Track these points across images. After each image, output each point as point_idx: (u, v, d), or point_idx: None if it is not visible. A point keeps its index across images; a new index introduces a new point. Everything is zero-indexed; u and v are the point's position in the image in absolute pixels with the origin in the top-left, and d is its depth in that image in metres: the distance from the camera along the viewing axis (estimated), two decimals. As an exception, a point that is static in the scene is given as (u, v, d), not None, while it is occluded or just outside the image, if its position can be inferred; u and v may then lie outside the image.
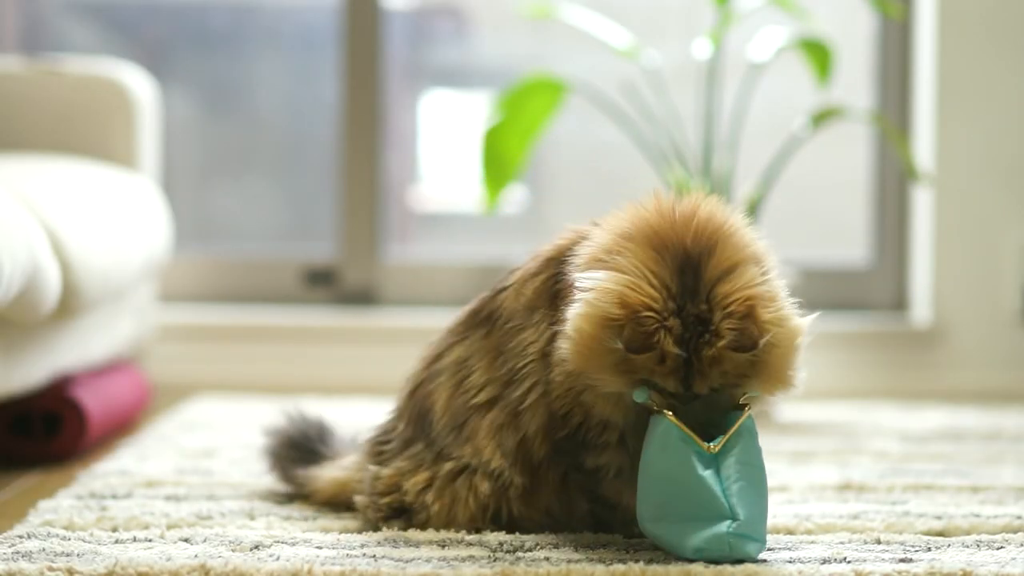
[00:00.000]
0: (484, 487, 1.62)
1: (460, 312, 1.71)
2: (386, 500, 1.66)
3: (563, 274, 1.59)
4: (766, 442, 2.39)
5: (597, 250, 1.55)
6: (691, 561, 1.48)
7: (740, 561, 1.48)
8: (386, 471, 1.67)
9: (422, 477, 1.64)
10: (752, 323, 1.47)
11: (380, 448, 1.71)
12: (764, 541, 1.52)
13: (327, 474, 1.83)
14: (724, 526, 1.47)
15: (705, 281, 1.49)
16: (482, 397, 1.63)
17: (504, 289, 1.66)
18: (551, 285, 1.60)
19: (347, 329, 3.23)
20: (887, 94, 3.36)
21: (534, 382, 1.59)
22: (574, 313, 1.50)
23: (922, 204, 3.28)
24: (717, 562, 1.48)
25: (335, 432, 1.93)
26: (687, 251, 1.50)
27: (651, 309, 1.47)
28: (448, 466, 1.63)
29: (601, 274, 1.51)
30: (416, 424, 1.68)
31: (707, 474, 1.49)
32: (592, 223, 1.64)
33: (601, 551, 1.55)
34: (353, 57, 3.37)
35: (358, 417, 2.54)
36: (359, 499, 1.71)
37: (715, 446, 1.49)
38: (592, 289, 1.49)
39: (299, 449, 1.90)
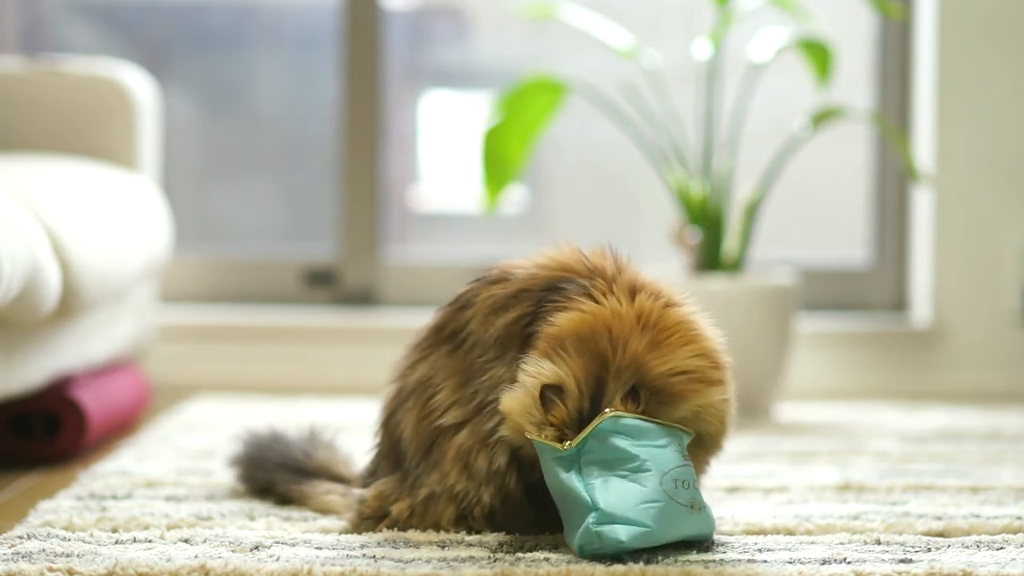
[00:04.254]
0: (449, 512, 1.63)
1: (422, 328, 1.71)
2: (377, 525, 1.67)
3: (537, 317, 1.61)
4: (766, 442, 2.40)
5: (562, 332, 1.58)
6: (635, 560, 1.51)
7: (618, 558, 1.50)
8: (369, 493, 1.69)
9: (405, 504, 1.66)
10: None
11: (367, 482, 1.73)
12: (642, 524, 1.51)
13: (319, 496, 1.83)
14: (590, 519, 1.51)
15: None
16: (449, 419, 1.63)
17: (469, 306, 1.67)
18: (524, 326, 1.62)
19: (347, 329, 3.23)
20: (887, 94, 3.36)
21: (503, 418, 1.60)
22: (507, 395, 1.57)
23: (922, 204, 3.28)
24: (600, 558, 1.51)
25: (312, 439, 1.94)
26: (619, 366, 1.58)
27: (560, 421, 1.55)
28: (423, 493, 1.65)
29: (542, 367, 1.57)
30: (390, 456, 1.69)
31: (569, 475, 1.53)
32: (573, 249, 1.67)
33: (601, 551, 1.55)
34: (353, 57, 3.37)
35: (358, 417, 2.54)
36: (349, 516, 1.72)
37: (568, 444, 1.53)
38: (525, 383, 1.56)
39: (283, 468, 1.89)
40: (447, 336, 1.67)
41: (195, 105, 3.56)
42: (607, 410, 1.55)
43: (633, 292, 1.62)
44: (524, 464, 1.62)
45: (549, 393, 1.55)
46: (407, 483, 1.66)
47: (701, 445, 1.63)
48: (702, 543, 1.59)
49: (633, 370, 1.56)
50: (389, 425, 1.71)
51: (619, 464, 1.53)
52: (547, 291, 1.63)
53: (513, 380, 1.58)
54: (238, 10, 3.58)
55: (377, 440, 1.73)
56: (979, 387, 3.20)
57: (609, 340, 1.57)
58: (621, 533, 1.50)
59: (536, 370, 1.56)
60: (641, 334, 1.58)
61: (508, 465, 1.62)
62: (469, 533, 1.62)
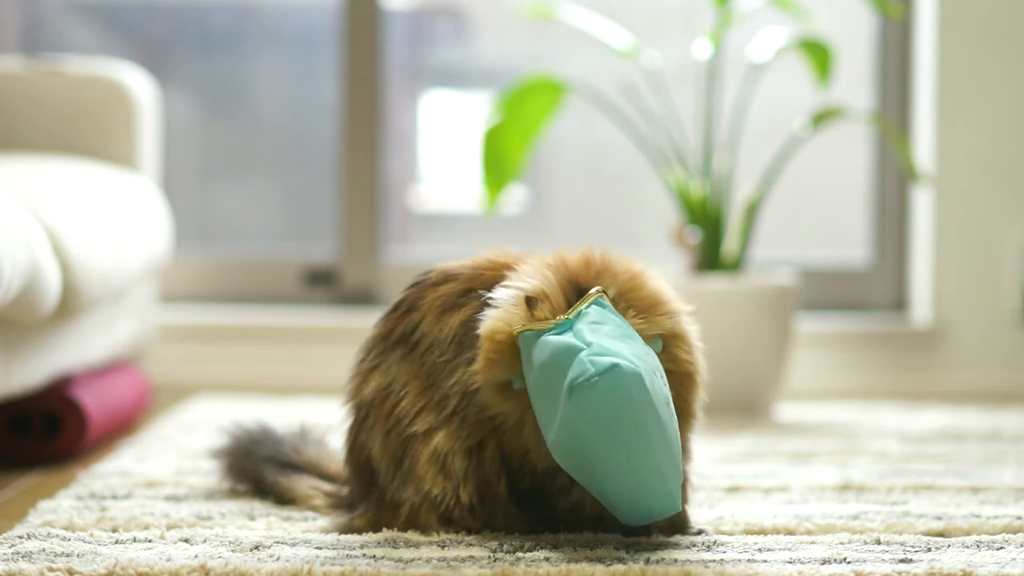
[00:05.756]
0: (432, 520, 1.62)
1: (363, 344, 1.69)
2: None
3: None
4: (766, 442, 2.40)
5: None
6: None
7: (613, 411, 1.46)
8: (359, 522, 1.67)
9: (392, 532, 1.64)
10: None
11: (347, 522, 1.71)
12: (633, 363, 1.47)
13: (303, 491, 1.83)
14: (581, 354, 1.47)
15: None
16: (420, 425, 1.61)
17: (413, 309, 1.65)
18: (477, 325, 1.60)
19: (347, 329, 3.23)
20: (887, 94, 3.36)
21: (479, 420, 1.59)
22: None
23: (922, 204, 3.28)
24: (580, 386, 1.46)
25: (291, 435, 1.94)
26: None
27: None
28: (404, 511, 1.63)
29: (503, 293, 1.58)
30: (362, 479, 1.67)
31: (559, 338, 1.50)
32: (507, 254, 1.67)
33: (601, 551, 1.55)
34: (353, 57, 3.37)
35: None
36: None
37: (562, 316, 1.52)
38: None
39: (271, 462, 1.89)
40: (396, 341, 1.65)
41: (195, 105, 3.56)
42: (594, 290, 1.55)
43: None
44: (513, 470, 1.61)
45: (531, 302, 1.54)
46: (386, 505, 1.64)
47: (679, 385, 1.60)
48: (680, 527, 1.61)
49: (611, 280, 1.57)
50: (354, 450, 1.68)
51: (612, 328, 1.52)
52: (493, 288, 1.62)
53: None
54: (238, 10, 3.58)
55: (347, 470, 1.71)
56: (979, 387, 3.20)
57: (576, 266, 1.59)
58: (614, 359, 1.46)
59: (514, 286, 1.56)
60: (602, 266, 1.60)
61: (498, 473, 1.61)
62: (457, 533, 1.62)
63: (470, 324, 1.61)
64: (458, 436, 1.60)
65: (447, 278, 1.66)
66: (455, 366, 1.61)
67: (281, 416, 2.57)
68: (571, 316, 1.53)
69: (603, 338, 1.50)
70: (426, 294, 1.66)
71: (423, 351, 1.63)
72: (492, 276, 1.64)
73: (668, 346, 1.58)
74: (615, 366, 1.45)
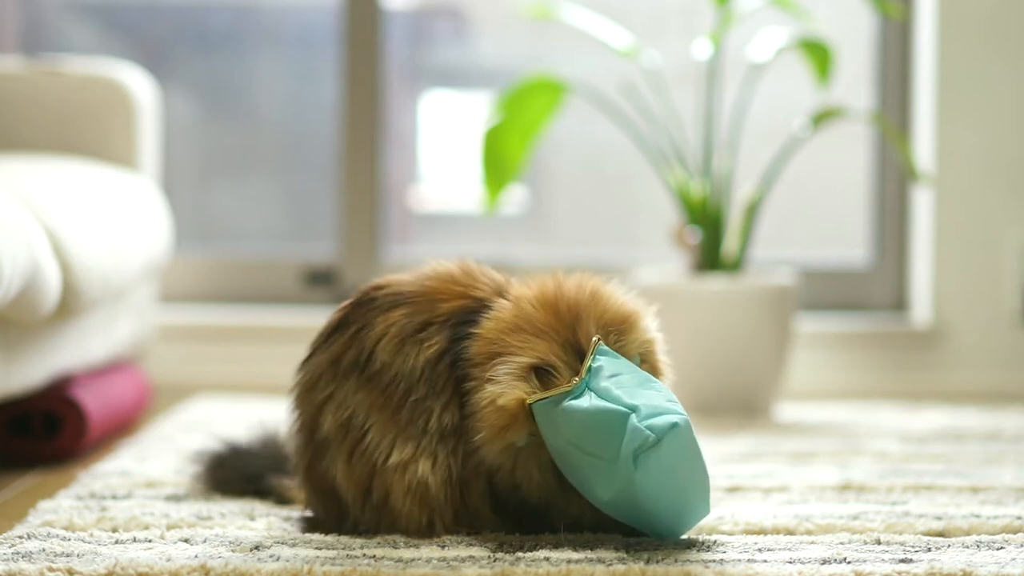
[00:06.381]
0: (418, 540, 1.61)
1: (311, 366, 1.66)
2: None
3: (460, 358, 1.59)
4: (766, 442, 2.40)
5: (500, 329, 1.59)
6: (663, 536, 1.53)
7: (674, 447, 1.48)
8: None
9: None
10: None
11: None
12: (680, 413, 1.50)
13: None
14: (632, 419, 1.49)
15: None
16: (394, 458, 1.58)
17: (366, 330, 1.62)
18: (449, 366, 1.58)
19: (347, 329, 3.22)
20: (887, 94, 3.36)
21: (466, 461, 1.59)
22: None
23: (922, 204, 3.28)
24: (645, 453, 1.47)
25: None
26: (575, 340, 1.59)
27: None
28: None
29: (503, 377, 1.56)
30: (329, 504, 1.65)
31: (589, 402, 1.51)
32: (453, 274, 1.64)
33: (601, 551, 1.55)
34: (353, 57, 3.37)
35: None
36: None
37: (576, 379, 1.53)
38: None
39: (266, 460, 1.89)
40: (348, 368, 1.62)
41: (195, 105, 3.56)
42: (594, 339, 1.56)
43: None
44: (501, 500, 1.61)
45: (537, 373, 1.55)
46: (364, 528, 1.63)
47: None
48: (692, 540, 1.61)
49: (588, 315, 1.58)
50: (313, 478, 1.65)
51: (630, 377, 1.54)
52: (458, 325, 1.60)
53: (461, 422, 1.57)
54: (238, 10, 3.58)
55: (308, 496, 1.69)
56: (979, 387, 3.20)
57: (548, 314, 1.58)
58: (671, 418, 1.48)
59: (515, 363, 1.55)
60: (572, 302, 1.59)
61: (483, 500, 1.61)
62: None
63: (438, 364, 1.59)
64: (440, 471, 1.59)
65: (396, 301, 1.62)
66: (429, 408, 1.59)
67: (281, 416, 2.56)
68: (584, 377, 1.53)
69: (639, 397, 1.51)
70: (376, 319, 1.62)
71: (386, 383, 1.60)
72: (449, 309, 1.61)
73: (646, 355, 1.61)
74: (675, 426, 1.48)
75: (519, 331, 1.58)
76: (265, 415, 2.58)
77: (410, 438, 1.59)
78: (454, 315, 1.61)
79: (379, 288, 1.65)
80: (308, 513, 1.73)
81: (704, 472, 1.52)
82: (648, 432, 1.48)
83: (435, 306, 1.62)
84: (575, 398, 1.53)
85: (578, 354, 1.56)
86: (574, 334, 1.57)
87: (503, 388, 1.54)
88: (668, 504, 1.52)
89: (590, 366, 1.54)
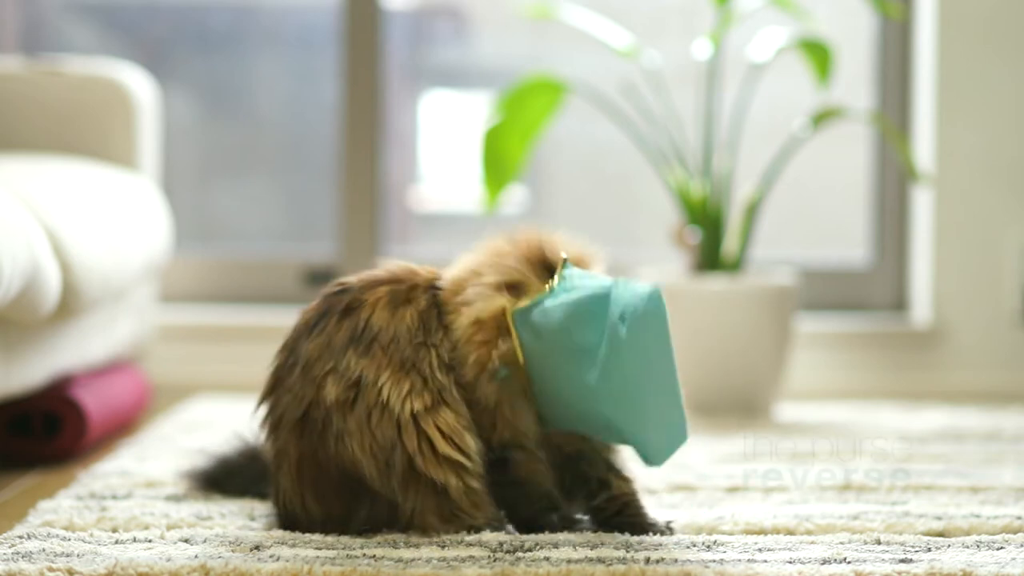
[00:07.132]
0: (433, 520, 1.61)
1: (308, 352, 1.65)
2: None
3: (442, 304, 1.66)
4: (766, 442, 2.40)
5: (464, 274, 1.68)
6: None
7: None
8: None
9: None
10: None
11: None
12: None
13: None
14: (613, 290, 1.59)
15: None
16: (418, 404, 1.60)
17: (353, 312, 1.64)
18: (438, 316, 1.65)
19: (347, 329, 3.23)
20: (887, 94, 3.36)
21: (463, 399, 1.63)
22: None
23: (922, 204, 3.28)
24: (632, 310, 1.56)
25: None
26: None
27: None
28: (404, 517, 1.62)
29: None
30: (342, 493, 1.64)
31: (566, 296, 1.60)
32: (411, 267, 1.72)
33: (601, 551, 1.55)
34: (353, 57, 3.37)
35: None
36: None
37: (550, 283, 1.62)
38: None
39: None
40: (345, 344, 1.63)
41: (195, 105, 3.56)
42: (563, 255, 1.64)
43: None
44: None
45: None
46: (404, 516, 1.63)
47: None
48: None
49: (551, 247, 1.66)
50: (311, 472, 1.63)
51: (602, 277, 1.63)
52: (436, 288, 1.67)
53: (449, 355, 1.62)
54: (238, 10, 3.58)
55: (309, 499, 1.65)
56: (979, 387, 3.20)
57: (513, 247, 1.67)
58: (647, 284, 1.58)
59: (486, 282, 1.63)
60: (533, 240, 1.68)
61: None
62: (457, 532, 1.62)
63: (427, 312, 1.65)
64: (458, 412, 1.62)
65: (375, 283, 1.67)
66: (427, 347, 1.63)
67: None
68: (556, 285, 1.61)
69: (608, 280, 1.61)
70: (363, 297, 1.65)
71: (385, 343, 1.62)
72: (426, 277, 1.69)
73: None
74: (654, 287, 1.56)
75: (487, 265, 1.66)
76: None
77: (424, 388, 1.61)
78: (432, 281, 1.69)
79: (344, 282, 1.69)
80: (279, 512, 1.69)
81: (673, 364, 1.57)
82: (631, 295, 1.56)
83: (414, 276, 1.69)
84: (548, 299, 1.60)
85: (547, 270, 1.64)
86: (541, 255, 1.65)
87: (482, 304, 1.62)
88: (657, 379, 1.57)
89: (563, 275, 1.62)
